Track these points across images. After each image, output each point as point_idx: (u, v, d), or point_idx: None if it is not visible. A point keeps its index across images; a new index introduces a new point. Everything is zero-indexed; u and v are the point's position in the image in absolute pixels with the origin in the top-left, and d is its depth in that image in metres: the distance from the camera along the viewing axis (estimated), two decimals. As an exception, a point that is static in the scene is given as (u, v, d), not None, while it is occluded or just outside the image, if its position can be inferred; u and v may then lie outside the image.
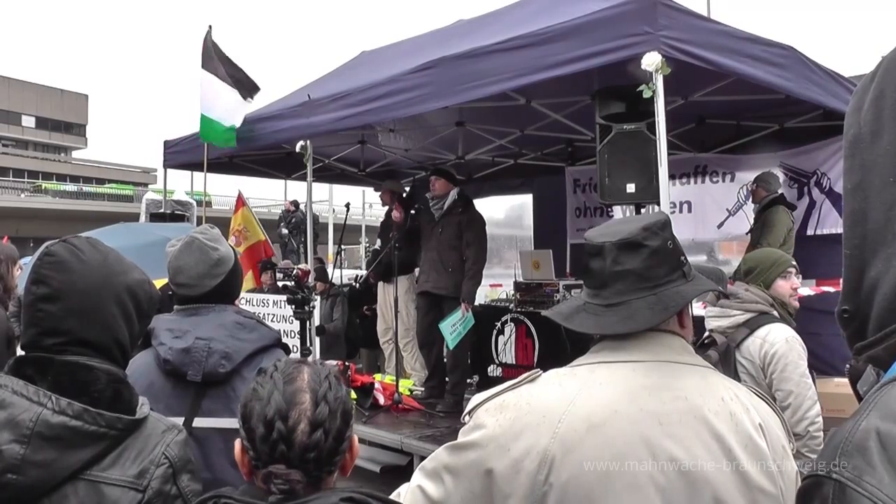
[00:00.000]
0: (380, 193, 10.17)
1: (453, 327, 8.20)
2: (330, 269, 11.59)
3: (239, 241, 11.25)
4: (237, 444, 1.77)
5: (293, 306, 7.93)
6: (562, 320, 1.90)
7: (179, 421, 2.79)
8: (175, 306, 3.20)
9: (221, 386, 2.94)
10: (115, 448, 1.96)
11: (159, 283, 3.56)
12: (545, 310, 2.06)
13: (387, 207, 10.09)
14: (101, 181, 71.62)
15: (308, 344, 8.02)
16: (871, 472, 0.82)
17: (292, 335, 8.99)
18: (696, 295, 1.94)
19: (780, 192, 8.36)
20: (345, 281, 12.00)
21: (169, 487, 2.01)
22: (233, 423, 2.35)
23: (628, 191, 5.68)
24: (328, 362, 6.85)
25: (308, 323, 8.11)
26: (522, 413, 1.78)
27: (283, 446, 1.67)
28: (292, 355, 3.15)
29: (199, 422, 2.91)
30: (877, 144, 0.98)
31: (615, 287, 1.85)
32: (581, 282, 2.03)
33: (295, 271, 8.21)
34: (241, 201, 11.74)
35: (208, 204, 12.05)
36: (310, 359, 1.98)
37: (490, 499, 1.76)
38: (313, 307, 8.23)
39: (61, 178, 73.60)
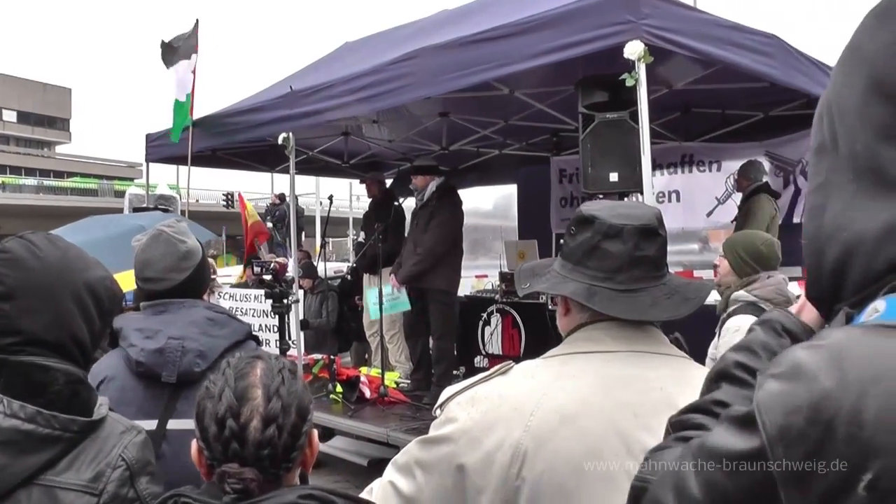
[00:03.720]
0: (365, 185, 10.17)
1: (377, 300, 8.34)
2: (314, 261, 11.58)
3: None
4: (193, 444, 1.74)
5: (271, 300, 7.89)
6: (584, 300, 1.82)
7: (153, 423, 2.74)
8: (141, 303, 3.12)
9: (196, 385, 2.81)
10: (71, 451, 1.90)
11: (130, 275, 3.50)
12: (531, 290, 1.97)
13: (370, 200, 10.11)
14: (86, 176, 71.16)
15: (287, 338, 7.99)
16: (768, 379, 0.94)
17: (273, 330, 8.97)
18: (710, 291, 1.93)
19: (764, 180, 8.37)
20: (334, 274, 12.00)
21: (126, 491, 1.95)
22: None
23: (611, 180, 5.68)
24: (314, 355, 6.83)
25: (287, 317, 8.08)
26: (494, 406, 1.76)
27: (235, 444, 1.63)
28: (271, 350, 3.10)
29: (173, 423, 2.85)
30: (836, 150, 1.07)
31: (632, 273, 1.81)
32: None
33: (272, 265, 8.17)
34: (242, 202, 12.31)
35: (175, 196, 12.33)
36: (287, 353, 1.94)
37: (463, 493, 1.74)
38: (293, 301, 8.20)
39: (45, 173, 73.17)
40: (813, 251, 1.09)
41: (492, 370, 1.87)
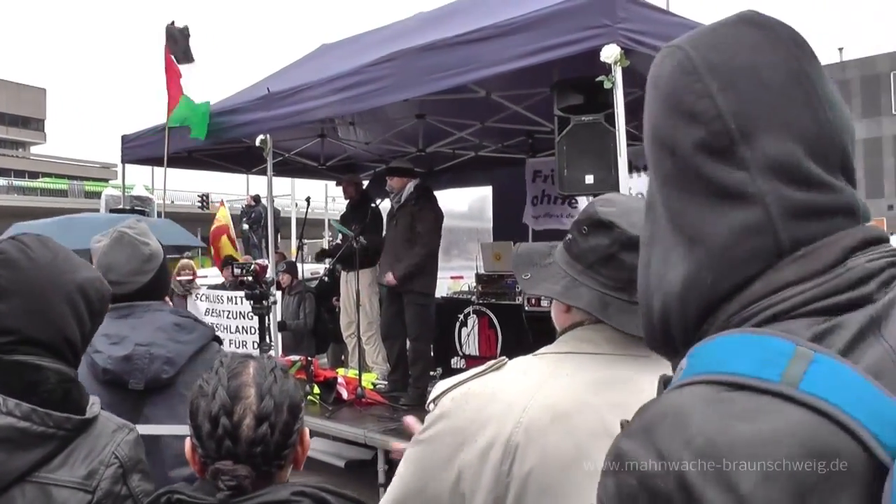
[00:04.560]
0: (342, 187, 10.17)
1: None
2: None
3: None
4: (187, 441, 1.76)
5: (251, 302, 7.87)
6: (598, 313, 1.80)
7: None
8: None
9: (163, 391, 2.84)
10: (65, 449, 1.92)
11: None
12: (543, 292, 1.91)
13: (347, 201, 10.11)
14: (60, 177, 70.45)
15: (268, 339, 7.98)
16: (603, 476, 0.99)
17: (251, 331, 8.95)
18: None
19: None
20: (311, 275, 11.99)
21: (119, 488, 1.97)
22: (177, 429, 2.27)
23: (587, 182, 5.71)
24: (291, 357, 6.82)
25: (267, 318, 8.07)
26: (487, 402, 1.76)
27: (228, 442, 1.66)
28: (254, 351, 3.10)
29: (141, 429, 2.83)
30: (653, 207, 1.11)
31: None
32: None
33: (252, 266, 8.17)
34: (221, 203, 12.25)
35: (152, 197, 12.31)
36: (256, 353, 1.97)
37: (458, 490, 1.74)
38: (273, 302, 8.18)
39: (19, 173, 72.42)
40: (643, 304, 1.12)
41: (485, 365, 1.87)
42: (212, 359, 3.12)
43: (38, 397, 1.89)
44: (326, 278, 11.35)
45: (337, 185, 10.39)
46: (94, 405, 2.04)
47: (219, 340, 3.20)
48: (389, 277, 8.30)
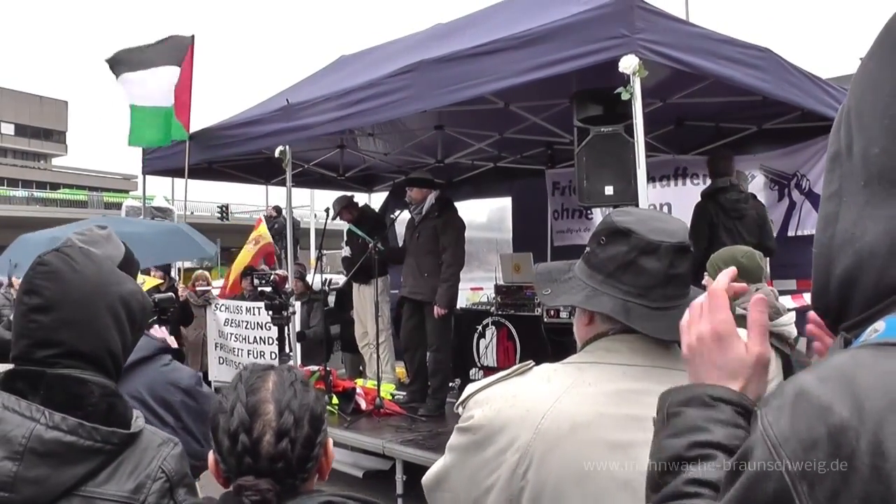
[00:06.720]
0: (340, 217, 10.18)
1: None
2: (310, 275, 11.59)
3: (258, 240, 11.49)
4: (210, 455, 1.75)
5: (271, 312, 7.88)
6: (621, 317, 1.79)
7: None
8: None
9: None
10: (111, 463, 1.91)
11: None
12: (565, 302, 1.93)
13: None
14: (81, 188, 70.86)
15: (287, 350, 7.99)
16: (774, 412, 0.91)
17: (270, 342, 8.96)
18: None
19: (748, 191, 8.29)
20: (324, 284, 12.01)
21: (166, 501, 1.96)
22: None
23: (607, 193, 5.69)
24: (310, 367, 6.80)
25: (286, 329, 8.08)
26: (507, 406, 1.77)
27: (249, 458, 1.65)
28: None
29: None
30: (850, 157, 1.05)
31: (665, 291, 1.80)
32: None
33: (272, 277, 8.19)
34: (260, 221, 12.36)
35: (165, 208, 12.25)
36: (285, 364, 1.95)
37: (477, 484, 1.77)
38: (292, 313, 8.19)
39: (41, 185, 72.98)
40: (822, 261, 1.07)
41: (512, 369, 1.89)
42: (155, 371, 2.99)
43: (82, 411, 1.89)
44: (346, 288, 11.36)
45: (332, 218, 10.39)
46: (138, 419, 2.03)
47: (175, 354, 3.10)
48: (441, 312, 8.29)
